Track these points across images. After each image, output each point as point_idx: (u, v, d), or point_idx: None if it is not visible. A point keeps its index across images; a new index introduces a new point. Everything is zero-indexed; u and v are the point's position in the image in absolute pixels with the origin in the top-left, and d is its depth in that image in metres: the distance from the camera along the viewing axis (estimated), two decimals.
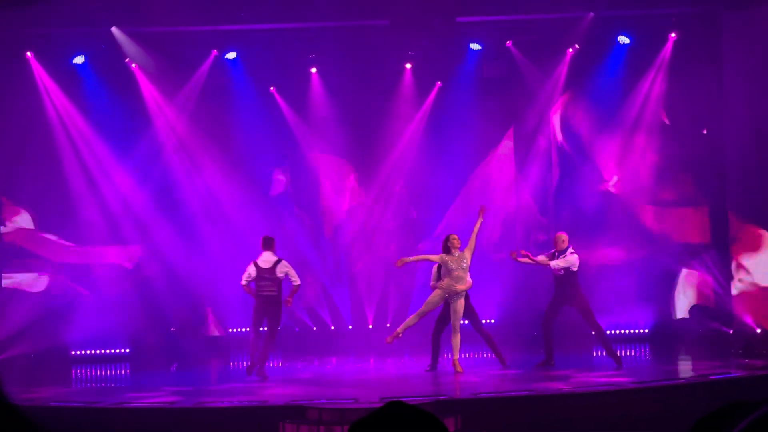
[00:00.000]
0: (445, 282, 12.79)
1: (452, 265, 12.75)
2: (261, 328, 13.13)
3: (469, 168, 17.33)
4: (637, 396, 10.59)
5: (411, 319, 13.00)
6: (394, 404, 2.25)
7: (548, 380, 11.70)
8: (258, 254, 13.08)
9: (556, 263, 12.96)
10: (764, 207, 15.03)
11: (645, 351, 15.72)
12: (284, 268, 12.90)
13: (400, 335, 12.99)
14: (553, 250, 13.25)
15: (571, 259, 12.99)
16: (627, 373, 12.22)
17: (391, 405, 2.25)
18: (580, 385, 11.21)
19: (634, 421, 10.02)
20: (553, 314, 13.33)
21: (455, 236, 12.96)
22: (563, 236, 13.22)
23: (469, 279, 12.86)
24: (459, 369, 12.59)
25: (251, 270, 12.92)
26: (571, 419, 9.98)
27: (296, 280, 12.92)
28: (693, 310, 16.16)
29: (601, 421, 9.97)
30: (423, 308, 12.99)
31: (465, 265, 12.80)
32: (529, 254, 13.24)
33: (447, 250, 12.90)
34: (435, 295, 12.87)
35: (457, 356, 12.70)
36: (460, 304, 12.76)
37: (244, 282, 12.92)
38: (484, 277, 16.71)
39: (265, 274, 12.88)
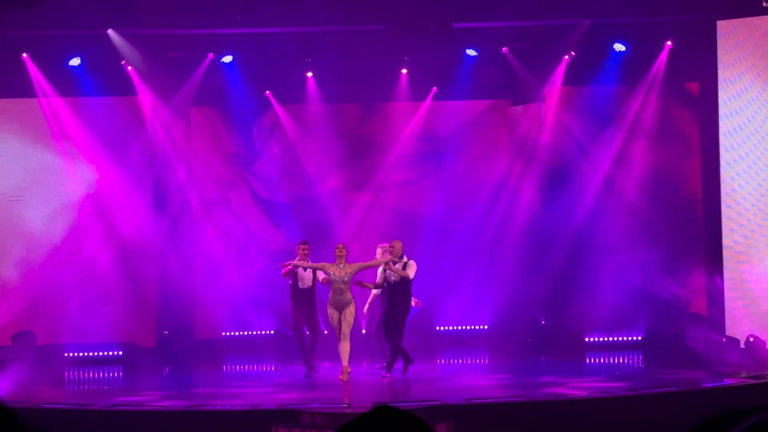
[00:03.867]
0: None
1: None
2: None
3: (464, 173, 17.31)
4: (629, 403, 10.61)
5: None
6: (383, 408, 2.26)
7: (541, 387, 11.70)
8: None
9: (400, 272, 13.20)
10: None
11: (638, 358, 15.72)
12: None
13: None
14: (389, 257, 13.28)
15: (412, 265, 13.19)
16: (620, 381, 12.22)
17: (379, 409, 2.26)
18: (572, 391, 11.21)
19: (626, 428, 10.03)
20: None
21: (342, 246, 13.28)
22: (399, 243, 13.34)
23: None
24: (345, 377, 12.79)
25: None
26: (563, 426, 9.99)
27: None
28: (686, 318, 16.15)
29: (593, 428, 9.97)
30: None
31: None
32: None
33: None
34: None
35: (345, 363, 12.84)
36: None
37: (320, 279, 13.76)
38: (477, 283, 16.69)
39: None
